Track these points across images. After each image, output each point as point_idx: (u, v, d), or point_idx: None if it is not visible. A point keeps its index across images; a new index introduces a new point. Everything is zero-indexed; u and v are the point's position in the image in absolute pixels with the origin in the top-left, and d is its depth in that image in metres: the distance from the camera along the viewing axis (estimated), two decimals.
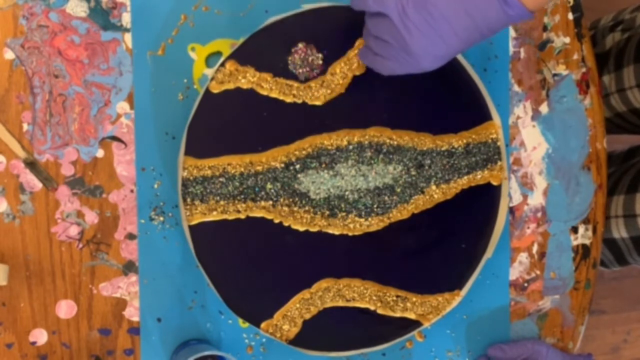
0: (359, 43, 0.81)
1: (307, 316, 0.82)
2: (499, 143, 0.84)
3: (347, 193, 0.81)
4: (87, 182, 0.80)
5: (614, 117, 1.10)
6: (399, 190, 0.82)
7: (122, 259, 0.81)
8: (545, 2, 0.68)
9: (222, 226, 0.80)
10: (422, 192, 0.83)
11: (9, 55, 0.78)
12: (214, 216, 0.79)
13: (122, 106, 0.80)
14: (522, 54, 0.88)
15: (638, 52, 1.00)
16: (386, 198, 0.82)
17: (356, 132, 0.81)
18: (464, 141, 0.83)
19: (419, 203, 0.83)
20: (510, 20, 0.67)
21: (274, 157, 0.80)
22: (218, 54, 0.82)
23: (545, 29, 0.89)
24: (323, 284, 0.82)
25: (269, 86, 0.80)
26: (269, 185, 0.80)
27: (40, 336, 0.81)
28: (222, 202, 0.79)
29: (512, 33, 0.88)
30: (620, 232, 1.05)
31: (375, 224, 0.82)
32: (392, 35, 0.70)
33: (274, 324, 0.81)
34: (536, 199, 0.90)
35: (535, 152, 0.89)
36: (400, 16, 0.68)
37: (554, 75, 0.89)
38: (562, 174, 0.90)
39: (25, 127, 0.79)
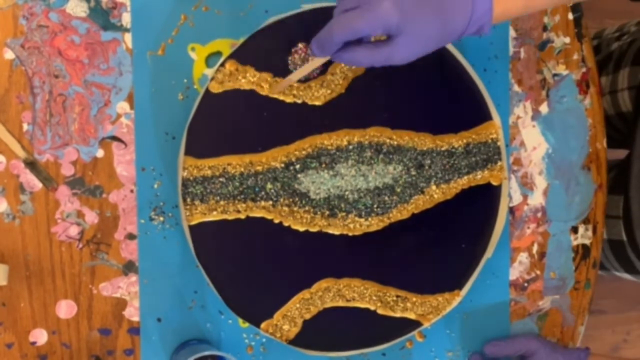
0: None
1: (307, 316, 0.82)
2: (499, 143, 0.84)
3: (347, 193, 0.81)
4: (87, 182, 0.80)
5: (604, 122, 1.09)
6: (399, 190, 0.82)
7: (122, 259, 0.81)
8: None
9: (222, 226, 0.80)
10: (422, 192, 0.83)
11: (9, 55, 0.78)
12: (214, 216, 0.79)
13: (122, 106, 0.80)
14: (522, 54, 0.88)
15: (636, 56, 1.00)
16: (386, 198, 0.82)
17: (356, 132, 0.81)
18: (464, 141, 0.83)
19: (419, 203, 0.83)
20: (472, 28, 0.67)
21: (274, 157, 0.80)
22: (218, 54, 0.82)
23: (545, 29, 0.89)
24: (323, 284, 0.82)
25: (269, 86, 0.80)
26: (269, 185, 0.80)
27: (40, 336, 0.81)
28: (222, 202, 0.79)
29: (512, 33, 0.88)
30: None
31: (375, 224, 0.82)
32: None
33: (274, 324, 0.81)
34: (536, 199, 0.90)
35: (535, 152, 0.89)
36: None
37: (554, 75, 0.89)
38: (562, 174, 0.90)
39: (25, 127, 0.79)
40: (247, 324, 0.83)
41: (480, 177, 0.84)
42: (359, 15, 0.65)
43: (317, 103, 0.81)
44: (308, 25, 0.80)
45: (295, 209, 0.81)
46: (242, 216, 0.80)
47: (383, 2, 0.65)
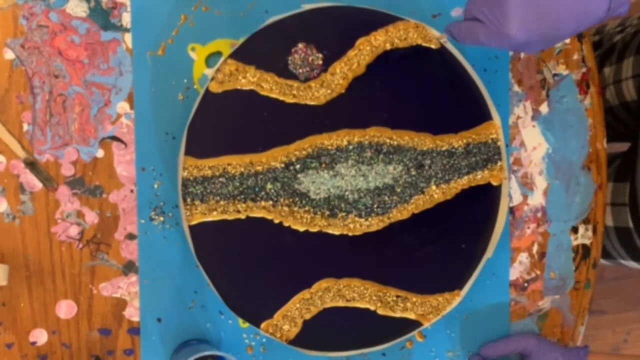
0: (359, 43, 0.81)
1: (307, 316, 0.82)
2: (499, 143, 0.84)
3: (347, 193, 0.81)
4: (87, 182, 0.80)
5: (606, 114, 1.09)
6: (399, 190, 0.82)
7: (122, 259, 0.81)
8: None
9: (222, 226, 0.80)
10: (422, 192, 0.83)
11: (9, 55, 0.78)
12: (214, 216, 0.79)
13: (122, 106, 0.80)
14: (522, 54, 0.88)
15: None
16: (386, 198, 0.82)
17: (356, 132, 0.81)
18: (464, 141, 0.83)
19: (419, 203, 0.83)
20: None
21: (274, 157, 0.80)
22: (218, 54, 0.82)
23: None
24: (323, 284, 0.82)
25: (269, 86, 0.80)
26: (269, 185, 0.80)
27: (40, 336, 0.81)
28: (222, 202, 0.79)
29: None
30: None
31: (375, 224, 0.82)
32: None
33: (274, 324, 0.81)
34: (536, 199, 0.90)
35: (535, 152, 0.89)
36: None
37: (554, 75, 0.89)
38: (562, 174, 0.90)
39: (25, 127, 0.79)
40: (247, 324, 0.83)
41: (480, 177, 0.84)
42: (484, 34, 0.69)
43: (317, 103, 0.81)
44: (308, 25, 0.80)
45: (295, 209, 0.81)
46: (242, 216, 0.80)
47: (509, 25, 0.66)
